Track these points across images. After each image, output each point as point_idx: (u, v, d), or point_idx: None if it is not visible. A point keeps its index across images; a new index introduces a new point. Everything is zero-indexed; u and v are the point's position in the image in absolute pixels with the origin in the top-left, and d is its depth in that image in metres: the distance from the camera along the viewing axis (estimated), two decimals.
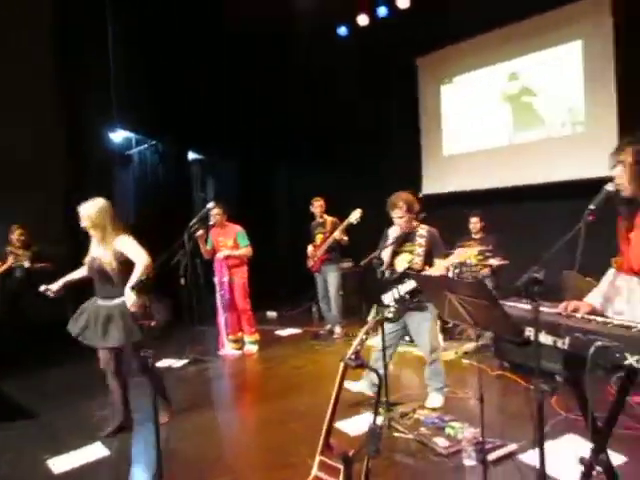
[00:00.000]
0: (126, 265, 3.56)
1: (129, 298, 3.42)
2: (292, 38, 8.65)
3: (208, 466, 3.31)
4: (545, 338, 1.97)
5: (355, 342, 2.45)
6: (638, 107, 5.36)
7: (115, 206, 7.14)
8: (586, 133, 6.21)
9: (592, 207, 1.96)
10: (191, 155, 8.97)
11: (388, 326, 4.01)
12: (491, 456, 3.01)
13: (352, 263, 7.37)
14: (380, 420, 3.46)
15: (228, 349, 6.03)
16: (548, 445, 1.97)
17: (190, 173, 9.06)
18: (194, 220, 3.41)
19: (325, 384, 4.61)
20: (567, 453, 2.27)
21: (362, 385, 4.18)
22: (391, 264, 4.10)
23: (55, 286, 3.74)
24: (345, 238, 6.26)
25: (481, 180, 7.11)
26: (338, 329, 6.61)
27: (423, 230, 4.05)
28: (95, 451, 3.58)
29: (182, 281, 5.44)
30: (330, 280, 6.53)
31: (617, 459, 2.75)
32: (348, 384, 2.90)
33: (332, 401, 2.42)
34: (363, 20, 8.00)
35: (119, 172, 7.90)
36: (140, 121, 7.75)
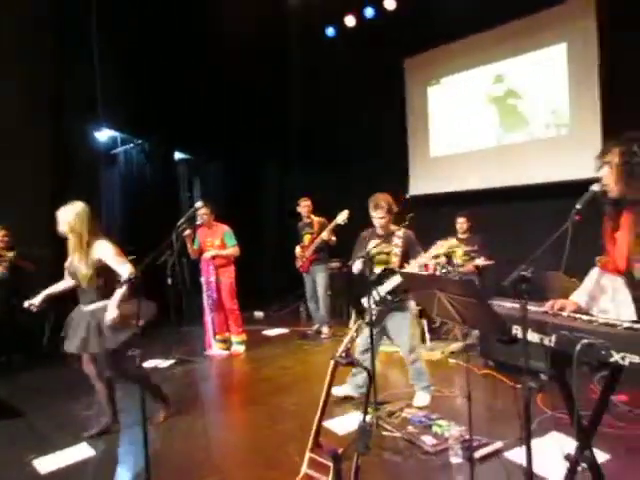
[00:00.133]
0: (105, 270, 3.53)
1: (111, 313, 3.43)
2: (280, 38, 8.66)
3: (196, 466, 3.29)
4: (532, 336, 2.00)
5: (345, 340, 2.47)
6: (622, 109, 5.45)
7: (100, 206, 7.13)
8: (570, 135, 6.28)
9: (578, 207, 1.99)
10: (177, 155, 8.92)
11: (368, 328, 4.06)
12: (477, 454, 3.04)
13: (340, 263, 7.40)
14: (368, 419, 3.47)
15: (215, 349, 6.01)
16: (534, 442, 1.99)
17: (177, 173, 9.02)
18: (182, 220, 3.39)
19: (313, 384, 4.64)
20: (552, 450, 2.30)
21: (346, 389, 4.21)
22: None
23: (37, 300, 3.67)
24: (333, 238, 6.28)
25: (467, 181, 7.16)
26: (326, 329, 6.62)
27: (400, 231, 4.09)
28: (81, 451, 3.56)
29: (169, 281, 5.41)
30: (319, 280, 6.55)
31: (600, 457, 2.79)
32: (333, 389, 2.92)
33: (322, 399, 2.44)
34: (350, 21, 8.04)
35: (105, 172, 7.82)
36: (126, 120, 7.69)
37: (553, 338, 1.93)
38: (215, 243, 5.92)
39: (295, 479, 2.54)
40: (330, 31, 8.43)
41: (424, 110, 7.76)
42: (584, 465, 2.19)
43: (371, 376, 2.61)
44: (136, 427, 3.69)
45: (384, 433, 3.53)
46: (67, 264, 3.64)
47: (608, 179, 2.08)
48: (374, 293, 4.00)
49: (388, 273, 3.97)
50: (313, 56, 8.39)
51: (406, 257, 4.03)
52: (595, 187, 2.08)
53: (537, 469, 1.98)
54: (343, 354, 2.41)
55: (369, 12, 7.79)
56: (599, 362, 1.78)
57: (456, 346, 5.58)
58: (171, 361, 5.65)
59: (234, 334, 6.08)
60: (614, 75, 5.66)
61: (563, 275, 4.44)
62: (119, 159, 8.42)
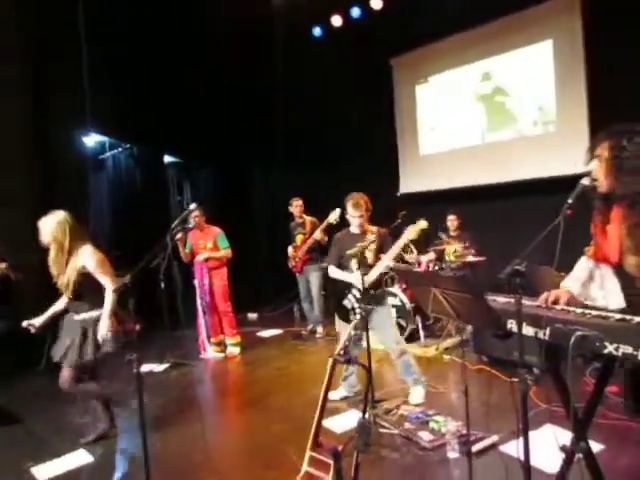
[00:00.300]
0: (89, 278, 3.51)
1: (104, 326, 3.44)
2: (265, 39, 8.66)
3: (194, 469, 3.30)
4: (527, 330, 2.03)
5: (343, 338, 2.48)
6: (608, 106, 5.49)
7: (89, 212, 7.07)
8: (557, 131, 6.34)
9: (570, 201, 2.02)
10: (167, 158, 8.88)
11: (347, 328, 4.09)
12: (474, 448, 3.07)
13: None
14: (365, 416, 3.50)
15: (210, 352, 6.01)
16: (529, 435, 2.02)
17: (166, 176, 8.98)
18: (176, 222, 3.37)
19: (309, 384, 4.66)
20: (547, 443, 2.33)
21: (341, 391, 4.26)
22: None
23: (38, 321, 3.65)
24: (325, 238, 6.29)
25: (457, 178, 7.20)
26: (320, 329, 6.64)
27: (374, 228, 4.16)
28: (79, 458, 3.55)
29: (162, 285, 5.40)
30: (312, 280, 6.56)
31: (594, 447, 2.83)
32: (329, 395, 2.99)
33: (321, 398, 2.45)
34: (337, 21, 8.06)
35: (93, 177, 7.77)
36: (114, 125, 7.64)
37: (547, 331, 1.96)
38: (207, 245, 5.92)
39: (294, 478, 2.55)
40: (317, 31, 8.44)
41: (413, 109, 7.79)
42: (580, 456, 2.22)
43: (370, 374, 2.63)
44: (133, 432, 3.71)
45: (381, 430, 3.56)
46: (54, 277, 3.61)
47: (598, 173, 2.10)
48: (354, 292, 4.08)
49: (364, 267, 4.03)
50: (300, 56, 8.39)
51: (380, 253, 4.08)
52: (585, 181, 2.10)
53: (533, 461, 2.00)
54: (341, 352, 2.43)
55: (355, 12, 7.81)
56: (593, 354, 1.82)
57: (450, 342, 5.62)
58: (166, 365, 5.63)
59: (228, 336, 6.08)
60: (600, 71, 5.71)
61: (553, 270, 4.49)
62: (107, 164, 8.38)
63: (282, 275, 7.58)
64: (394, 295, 5.91)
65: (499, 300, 2.33)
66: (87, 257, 3.52)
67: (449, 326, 5.82)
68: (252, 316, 8.18)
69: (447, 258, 5.93)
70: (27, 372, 5.41)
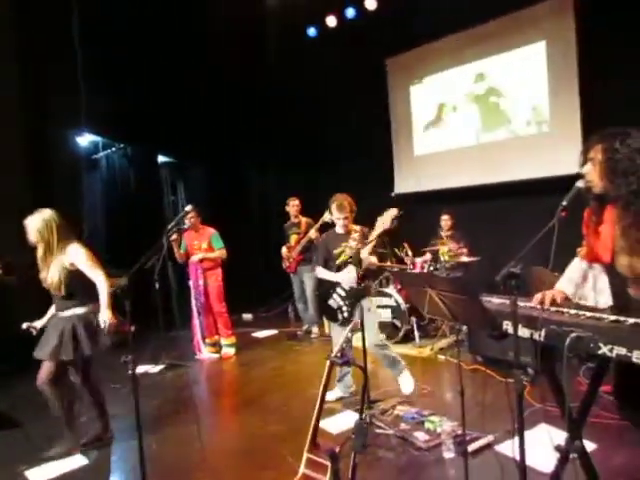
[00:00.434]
0: (78, 275, 3.49)
1: (104, 314, 3.41)
2: (260, 39, 8.65)
3: (190, 470, 3.31)
4: (522, 331, 2.05)
5: (340, 340, 2.49)
6: (601, 106, 5.54)
7: (82, 211, 7.03)
8: (551, 132, 6.37)
9: (564, 203, 2.03)
10: (161, 158, 8.87)
11: (337, 329, 4.19)
12: (469, 448, 3.09)
13: None
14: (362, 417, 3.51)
15: (205, 353, 6.00)
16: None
17: (160, 176, 8.96)
18: (172, 223, 3.37)
19: (305, 384, 4.67)
20: (542, 442, 2.35)
21: (337, 392, 4.28)
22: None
23: (38, 324, 3.62)
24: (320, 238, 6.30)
25: (451, 178, 7.23)
26: (315, 329, 6.64)
27: (357, 227, 4.20)
28: (74, 460, 3.53)
29: (157, 285, 5.39)
30: (306, 281, 6.55)
31: (588, 447, 2.85)
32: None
33: (319, 399, 2.46)
34: (332, 21, 8.06)
35: (86, 177, 7.74)
36: (108, 124, 7.62)
37: (542, 332, 1.98)
38: (202, 246, 5.92)
39: (292, 479, 2.56)
40: (312, 31, 8.44)
41: (407, 109, 7.81)
42: (574, 455, 2.24)
43: (366, 375, 2.64)
44: (129, 433, 3.70)
45: (377, 431, 3.57)
46: (41, 276, 3.57)
47: (592, 175, 2.12)
48: (339, 290, 4.13)
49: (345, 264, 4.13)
50: (295, 56, 8.39)
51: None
52: (580, 183, 2.12)
53: (528, 461, 2.02)
54: (339, 354, 2.44)
55: (350, 12, 7.82)
56: (588, 354, 1.84)
57: (445, 342, 5.65)
58: (161, 366, 5.63)
59: (224, 337, 6.08)
60: (593, 72, 5.74)
61: (546, 270, 4.52)
62: (101, 164, 8.36)
63: (277, 275, 7.57)
64: (389, 296, 5.93)
65: (494, 301, 2.35)
66: (75, 254, 3.49)
67: (444, 326, 5.85)
68: (247, 317, 8.18)
69: (441, 258, 5.95)
70: (26, 374, 5.39)
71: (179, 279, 6.48)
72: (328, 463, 2.28)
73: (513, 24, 6.48)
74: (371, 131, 7.98)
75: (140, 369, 5.48)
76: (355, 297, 4.08)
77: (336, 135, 8.25)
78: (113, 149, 8.30)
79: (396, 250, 6.18)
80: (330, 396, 4.16)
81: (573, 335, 1.83)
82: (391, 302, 5.90)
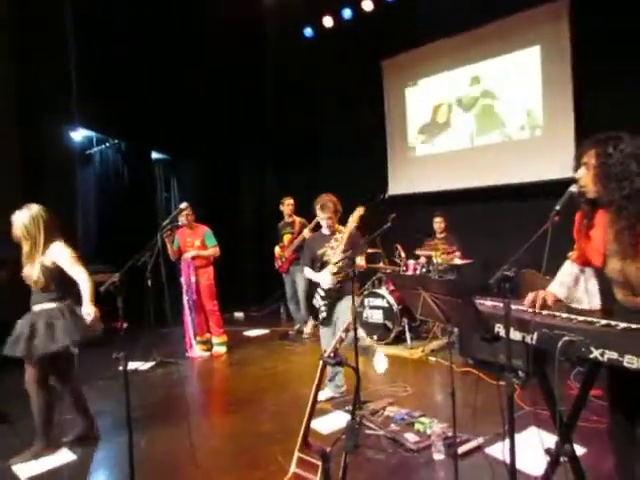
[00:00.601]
0: (58, 274, 3.44)
1: (87, 308, 3.35)
2: (258, 39, 8.63)
3: (179, 469, 3.29)
4: (514, 334, 2.06)
5: (334, 341, 2.49)
6: (594, 111, 5.57)
7: (75, 207, 6.99)
8: (543, 136, 6.41)
9: (558, 208, 2.04)
10: (155, 155, 8.83)
11: (322, 328, 4.28)
12: (460, 450, 3.09)
13: None
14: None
15: (197, 351, 5.98)
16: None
17: (154, 173, 8.93)
18: (167, 220, 3.36)
19: (296, 384, 4.67)
20: (531, 445, 2.36)
21: (327, 392, 4.28)
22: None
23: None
24: None
25: (445, 181, 7.25)
26: (307, 329, 6.64)
27: (343, 228, 4.21)
28: (61, 456, 3.51)
29: (149, 282, 5.37)
30: (298, 280, 6.55)
31: (578, 451, 2.87)
32: None
33: (311, 399, 2.45)
34: (328, 22, 8.06)
35: (80, 171, 7.70)
36: (102, 120, 7.58)
37: (535, 336, 1.99)
38: (195, 244, 5.91)
39: (281, 479, 2.55)
40: (308, 31, 8.44)
41: (402, 111, 7.83)
42: (564, 459, 2.26)
43: (358, 376, 2.64)
44: (117, 430, 3.68)
45: (367, 431, 3.57)
46: (24, 271, 3.52)
47: (585, 180, 2.13)
48: (319, 290, 4.19)
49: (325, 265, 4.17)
50: (292, 56, 8.38)
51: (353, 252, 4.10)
52: (573, 188, 2.14)
53: (518, 464, 2.03)
54: (331, 354, 2.43)
55: (347, 13, 7.82)
56: (579, 358, 1.85)
57: (436, 344, 5.66)
58: (152, 363, 5.60)
59: (215, 335, 6.06)
60: (587, 78, 5.78)
61: (537, 272, 4.54)
62: (94, 159, 8.31)
63: (269, 275, 7.58)
64: (381, 297, 5.94)
65: (486, 304, 2.35)
66: (58, 252, 3.45)
67: (435, 328, 5.86)
68: (239, 315, 8.16)
69: (434, 260, 5.97)
70: (16, 368, 5.35)
71: (171, 276, 6.45)
72: (319, 463, 2.28)
73: (508, 28, 6.51)
74: (367, 132, 8.00)
75: (130, 366, 5.45)
76: (332, 298, 4.15)
77: (333, 136, 8.26)
78: (107, 144, 8.26)
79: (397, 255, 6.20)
80: (321, 396, 4.15)
81: (565, 339, 1.85)
82: (383, 303, 5.91)
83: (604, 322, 1.91)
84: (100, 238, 7.80)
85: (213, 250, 5.95)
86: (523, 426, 3.31)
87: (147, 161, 8.69)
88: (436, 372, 4.99)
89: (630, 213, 2.00)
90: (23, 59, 6.31)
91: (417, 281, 2.40)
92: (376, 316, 5.97)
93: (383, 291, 5.99)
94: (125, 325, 2.72)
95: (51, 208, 3.63)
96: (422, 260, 6.18)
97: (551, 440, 2.31)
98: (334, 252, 4.13)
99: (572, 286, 2.31)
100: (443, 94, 7.32)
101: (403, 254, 6.21)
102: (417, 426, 3.55)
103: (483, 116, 6.97)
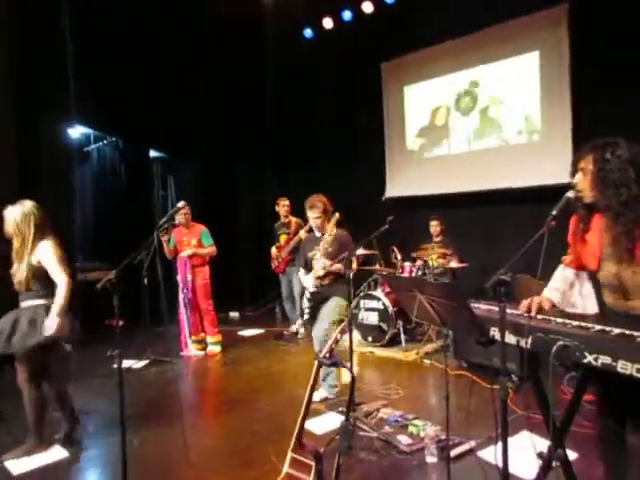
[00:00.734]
0: (44, 273, 3.40)
1: (52, 323, 3.27)
2: (258, 39, 8.63)
3: (172, 468, 3.28)
4: (509, 338, 2.07)
5: (330, 341, 2.49)
6: (592, 117, 5.59)
7: (72, 204, 6.96)
8: (541, 141, 6.43)
9: (554, 213, 2.05)
10: (152, 153, 8.82)
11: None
12: (452, 453, 3.10)
13: None
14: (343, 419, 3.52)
15: (192, 349, 5.97)
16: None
17: (151, 171, 8.92)
18: (164, 219, 3.35)
19: (290, 384, 4.66)
20: (524, 449, 2.37)
21: (322, 392, 4.28)
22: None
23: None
24: None
25: (442, 184, 7.26)
26: (302, 329, 6.64)
27: (333, 230, 4.18)
28: (54, 453, 3.51)
29: (145, 281, 5.35)
30: (295, 281, 6.55)
31: (570, 456, 2.88)
32: None
33: (306, 399, 2.45)
34: (328, 23, 8.07)
35: (77, 169, 7.68)
36: (99, 117, 7.57)
37: (529, 340, 2.00)
38: (192, 243, 5.91)
39: (275, 479, 2.56)
40: (308, 32, 8.44)
41: (401, 114, 7.84)
42: (557, 463, 2.26)
43: (353, 377, 2.64)
44: (110, 429, 3.67)
45: (361, 433, 3.57)
46: (12, 268, 3.48)
47: (582, 185, 2.14)
48: (306, 293, 4.24)
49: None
50: (292, 57, 8.38)
51: (339, 253, 4.10)
52: (570, 194, 2.15)
53: (510, 467, 2.03)
54: (327, 355, 2.44)
55: (347, 15, 7.83)
56: (573, 363, 1.85)
57: (430, 347, 5.67)
58: (145, 361, 5.59)
59: (210, 335, 6.06)
60: (585, 83, 5.80)
61: (531, 277, 4.56)
62: (92, 156, 8.30)
63: (264, 274, 7.57)
64: (377, 299, 5.95)
65: (481, 307, 2.36)
66: (44, 252, 3.39)
67: (430, 331, 5.87)
68: (234, 315, 8.15)
69: (430, 264, 5.98)
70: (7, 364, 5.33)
71: (167, 275, 6.44)
72: (312, 463, 2.28)
73: (507, 33, 6.53)
74: (366, 134, 8.01)
75: (124, 364, 5.43)
76: (316, 300, 4.19)
77: (332, 137, 8.26)
78: (105, 142, 8.25)
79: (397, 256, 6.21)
80: (315, 397, 4.15)
81: (559, 343, 1.85)
82: (379, 305, 5.92)
83: (599, 327, 1.92)
84: (97, 235, 7.78)
85: (210, 249, 5.96)
86: (516, 430, 3.30)
87: (145, 159, 8.68)
88: (430, 375, 4.99)
89: (627, 219, 2.01)
90: (21, 57, 6.29)
91: (413, 283, 2.41)
92: (371, 318, 5.98)
93: (379, 293, 5.99)
94: (121, 323, 2.72)
95: (49, 205, 3.61)
96: (418, 263, 6.19)
97: (543, 444, 2.32)
98: (319, 255, 4.13)
99: (567, 290, 2.33)
100: (442, 97, 7.34)
101: (399, 256, 6.22)
102: (410, 428, 3.55)
103: (481, 120, 6.99)
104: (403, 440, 3.40)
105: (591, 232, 2.19)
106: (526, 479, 2.76)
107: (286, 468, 2.42)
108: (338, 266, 4.07)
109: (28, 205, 3.46)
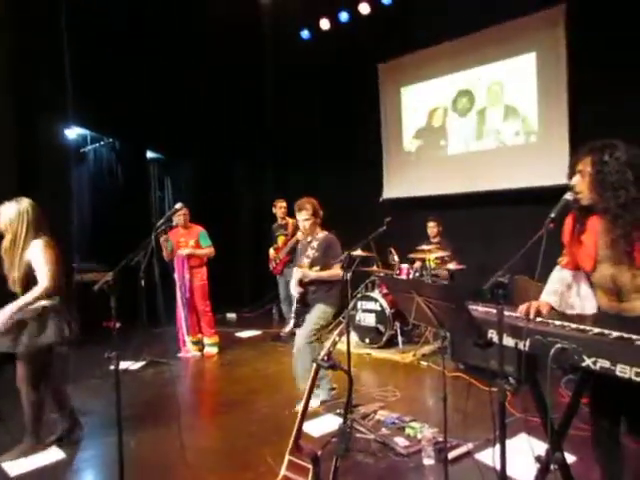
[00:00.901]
0: (32, 272, 3.36)
1: (3, 317, 3.21)
2: (257, 39, 8.63)
3: (168, 469, 3.27)
4: (507, 340, 2.06)
5: (327, 344, 2.49)
6: (589, 118, 5.61)
7: (69, 205, 6.94)
8: (538, 143, 6.44)
9: (552, 215, 2.05)
10: (149, 154, 8.80)
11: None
12: (450, 455, 3.10)
13: None
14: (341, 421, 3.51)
15: (190, 349, 5.96)
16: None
17: (148, 172, 8.90)
18: (162, 220, 3.33)
19: (287, 386, 4.65)
20: (522, 452, 2.36)
21: (319, 397, 4.25)
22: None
23: None
24: None
25: (440, 186, 7.27)
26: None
27: (321, 234, 4.20)
28: (51, 454, 3.49)
29: (142, 282, 5.34)
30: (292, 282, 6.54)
31: (568, 459, 2.87)
32: None
33: (304, 402, 2.45)
34: (325, 24, 8.06)
35: (74, 170, 7.66)
36: (97, 118, 7.55)
37: (527, 342, 2.00)
38: (190, 243, 5.90)
39: None
40: (305, 33, 8.44)
41: (398, 115, 7.84)
42: (554, 466, 2.26)
43: (350, 379, 2.64)
44: (107, 430, 3.65)
45: (358, 435, 3.56)
46: (4, 268, 3.43)
47: (580, 187, 2.14)
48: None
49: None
50: (289, 58, 8.38)
51: (326, 256, 4.10)
52: (568, 196, 2.14)
53: (508, 470, 2.03)
54: (325, 357, 2.43)
55: (344, 16, 7.83)
56: (571, 366, 1.85)
57: (428, 349, 5.67)
58: (142, 363, 5.57)
59: (207, 336, 6.05)
60: (582, 85, 5.81)
61: (529, 279, 4.56)
62: (89, 157, 8.28)
63: (262, 276, 7.56)
64: (374, 300, 5.94)
65: (479, 309, 2.36)
66: (34, 251, 3.34)
67: (427, 333, 5.87)
68: (231, 316, 8.14)
69: (428, 265, 5.97)
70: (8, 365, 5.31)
71: (164, 276, 6.43)
72: (309, 466, 2.27)
73: (504, 34, 6.54)
74: (363, 135, 8.01)
75: (121, 365, 5.42)
76: (301, 305, 4.17)
77: (331, 137, 8.25)
78: (101, 143, 8.23)
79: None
80: (314, 402, 4.13)
81: (557, 346, 1.85)
82: (376, 307, 5.91)
83: (597, 330, 1.92)
84: (94, 236, 7.76)
85: (208, 250, 5.95)
86: (513, 433, 3.31)
87: (142, 160, 8.66)
88: (428, 377, 4.99)
89: (626, 221, 2.01)
90: (20, 57, 6.28)
91: (411, 285, 2.40)
92: (368, 319, 5.97)
93: (376, 294, 5.99)
94: (118, 324, 2.70)
95: (46, 205, 3.58)
96: (416, 264, 6.18)
97: (541, 447, 2.32)
98: (309, 260, 4.12)
99: (564, 291, 2.32)
100: (439, 98, 7.35)
101: (397, 258, 6.21)
102: (407, 431, 3.55)
103: (478, 121, 7.00)
104: (400, 442, 3.40)
105: (587, 233, 2.19)
106: None
107: (283, 470, 2.41)
108: (313, 275, 4.07)
109: (24, 203, 3.42)
